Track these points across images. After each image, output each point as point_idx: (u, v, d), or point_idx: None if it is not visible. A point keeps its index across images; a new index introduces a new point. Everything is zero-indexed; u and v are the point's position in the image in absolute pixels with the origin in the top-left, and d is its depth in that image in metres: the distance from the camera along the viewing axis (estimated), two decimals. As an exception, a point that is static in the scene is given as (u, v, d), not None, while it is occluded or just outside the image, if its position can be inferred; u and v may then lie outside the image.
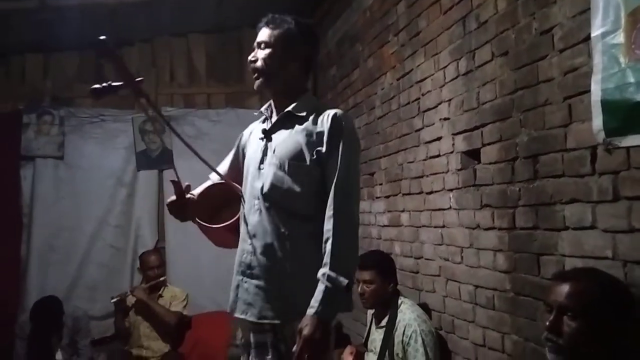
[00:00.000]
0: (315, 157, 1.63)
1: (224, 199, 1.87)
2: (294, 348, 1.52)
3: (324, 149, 1.63)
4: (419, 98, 2.66)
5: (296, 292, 1.60)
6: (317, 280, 1.55)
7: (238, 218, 1.79)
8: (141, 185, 4.30)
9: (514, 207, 1.92)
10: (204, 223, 1.79)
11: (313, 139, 1.65)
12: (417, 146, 2.68)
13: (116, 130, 4.28)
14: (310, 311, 1.52)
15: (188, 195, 1.76)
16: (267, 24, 1.73)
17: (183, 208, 1.75)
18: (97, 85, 1.52)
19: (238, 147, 1.92)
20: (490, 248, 2.07)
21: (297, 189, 1.63)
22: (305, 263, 1.61)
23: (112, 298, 3.56)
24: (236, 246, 1.78)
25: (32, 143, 4.18)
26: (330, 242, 1.56)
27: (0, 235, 4.03)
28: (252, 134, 1.84)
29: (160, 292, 3.62)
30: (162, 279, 3.63)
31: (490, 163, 2.07)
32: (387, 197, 3.07)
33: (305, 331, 1.49)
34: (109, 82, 1.51)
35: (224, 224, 1.79)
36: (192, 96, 4.56)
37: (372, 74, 3.28)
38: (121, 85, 1.51)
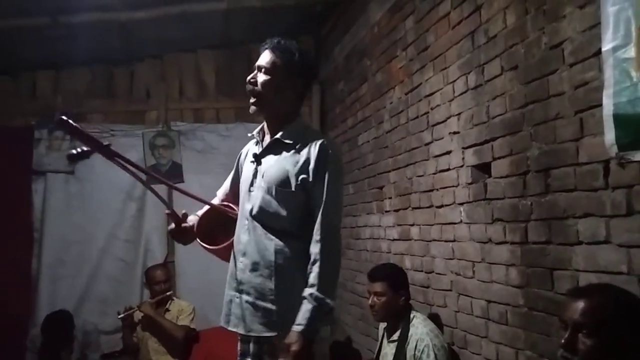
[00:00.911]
0: (300, 183, 1.73)
1: (225, 218, 1.99)
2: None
3: (310, 177, 1.73)
4: (428, 112, 2.66)
5: (282, 307, 1.72)
6: (297, 298, 1.68)
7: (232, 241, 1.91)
8: (151, 200, 4.31)
9: (526, 222, 1.91)
10: (205, 245, 1.91)
11: (299, 167, 1.74)
12: (426, 160, 2.68)
13: (126, 145, 4.31)
14: (298, 328, 1.64)
15: (189, 220, 1.89)
16: (272, 49, 1.79)
17: (183, 234, 1.88)
18: (72, 151, 1.68)
19: (237, 166, 2.02)
20: (503, 262, 2.05)
21: (283, 212, 1.75)
22: (291, 281, 1.74)
23: (119, 314, 3.56)
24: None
25: (44, 158, 4.23)
26: (317, 264, 1.68)
27: (12, 249, 4.06)
28: (247, 156, 1.95)
29: (167, 306, 3.61)
30: (168, 293, 3.63)
31: (501, 177, 2.06)
32: (397, 210, 3.06)
33: (294, 347, 1.62)
34: (82, 148, 1.65)
35: (223, 245, 1.90)
36: (202, 111, 4.60)
37: (381, 89, 3.29)
38: (91, 150, 1.64)
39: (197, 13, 3.89)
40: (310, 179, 1.73)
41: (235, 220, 1.90)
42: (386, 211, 3.21)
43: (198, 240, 1.93)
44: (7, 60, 4.23)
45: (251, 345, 1.79)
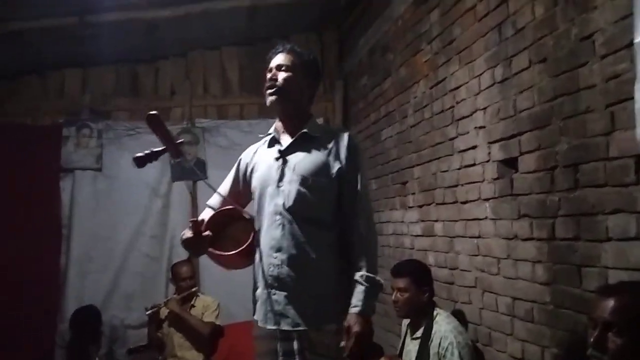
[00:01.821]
0: (335, 173, 1.81)
1: (223, 224, 1.95)
2: (343, 343, 1.70)
3: (344, 167, 1.82)
4: (453, 106, 2.63)
5: (323, 298, 1.77)
6: (342, 285, 1.76)
7: (251, 242, 1.87)
8: (176, 196, 4.37)
9: (553, 217, 1.87)
10: (222, 252, 1.87)
11: (332, 157, 1.82)
12: (451, 155, 2.65)
13: (152, 142, 4.31)
14: (356, 310, 1.72)
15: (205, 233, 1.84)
16: (288, 51, 1.89)
17: (200, 245, 1.83)
18: (139, 154, 1.67)
19: (237, 171, 2.01)
20: (529, 259, 2.02)
21: (319, 202, 1.80)
22: (328, 272, 1.79)
23: (146, 310, 3.60)
24: (245, 267, 1.90)
25: (72, 155, 4.31)
26: (362, 246, 1.79)
27: (40, 245, 4.15)
28: (259, 156, 1.94)
29: (192, 302, 3.65)
30: (194, 289, 3.67)
31: (528, 172, 2.02)
32: (420, 206, 3.03)
33: (356, 328, 1.68)
34: (151, 150, 1.66)
35: (240, 249, 1.85)
36: (226, 107, 4.63)
37: (405, 83, 3.26)
38: (162, 150, 1.67)
39: (220, 10, 3.91)
40: (344, 168, 1.82)
41: (246, 223, 1.90)
42: (409, 207, 3.19)
43: (210, 249, 1.87)
44: (36, 60, 4.32)
45: (295, 343, 1.77)
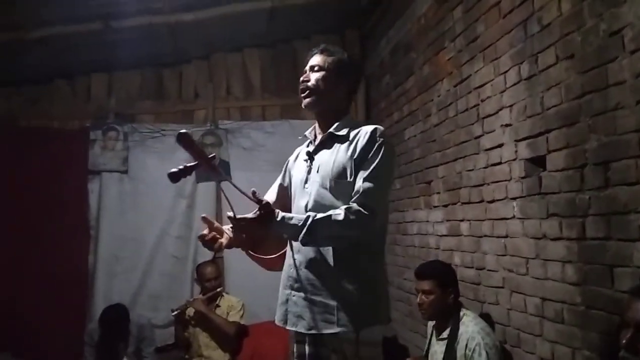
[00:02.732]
0: (354, 171, 1.73)
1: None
2: None
3: (358, 158, 1.73)
4: (478, 104, 2.60)
5: (343, 302, 1.68)
6: (363, 292, 1.68)
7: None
8: (200, 197, 4.41)
9: (583, 217, 1.84)
10: (259, 255, 1.87)
11: (352, 155, 1.74)
12: (476, 154, 2.62)
13: (176, 144, 4.38)
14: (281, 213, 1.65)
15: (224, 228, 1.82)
16: (321, 52, 1.88)
17: (210, 242, 1.79)
18: (174, 169, 1.64)
19: (284, 174, 2.03)
20: (559, 259, 1.98)
21: (338, 203, 1.71)
22: (349, 275, 1.70)
23: (173, 311, 3.65)
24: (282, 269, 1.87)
25: (99, 158, 4.38)
26: (337, 214, 1.63)
27: (69, 246, 4.24)
28: (298, 158, 1.97)
29: (217, 302, 3.68)
30: (218, 289, 3.70)
31: (556, 170, 1.99)
32: (446, 206, 3.01)
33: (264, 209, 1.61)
34: (184, 164, 1.64)
35: (278, 254, 1.86)
36: (248, 109, 4.66)
37: (428, 81, 3.24)
38: (195, 165, 1.65)
39: (242, 13, 3.94)
40: (358, 159, 1.73)
41: None
42: (434, 206, 3.16)
43: (249, 251, 1.87)
44: (65, 65, 4.41)
45: (307, 347, 1.76)
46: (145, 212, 4.37)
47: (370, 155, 1.72)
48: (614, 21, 1.67)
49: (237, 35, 4.41)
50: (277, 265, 1.91)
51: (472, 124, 2.66)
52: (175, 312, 3.62)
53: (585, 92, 1.81)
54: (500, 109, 2.38)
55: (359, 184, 1.69)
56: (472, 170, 2.66)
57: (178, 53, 4.51)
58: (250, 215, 1.62)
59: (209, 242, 1.79)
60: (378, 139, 1.74)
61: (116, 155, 4.39)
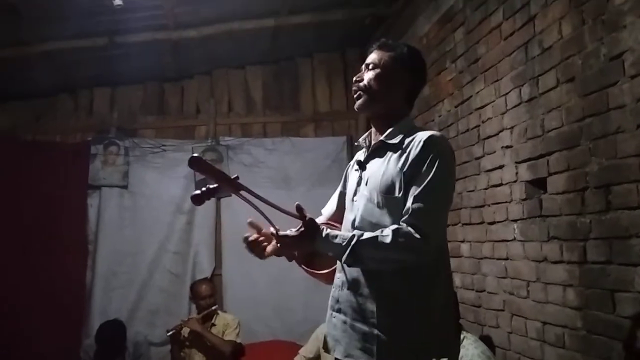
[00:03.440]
0: (404, 185, 1.49)
1: None
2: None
3: (409, 173, 1.49)
4: (479, 125, 2.60)
5: (386, 333, 1.47)
6: (406, 319, 1.47)
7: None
8: (200, 213, 4.39)
9: (584, 240, 1.83)
10: (312, 271, 1.74)
11: (403, 167, 1.50)
12: (477, 174, 2.61)
13: (176, 160, 4.41)
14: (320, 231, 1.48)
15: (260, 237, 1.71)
16: (379, 47, 1.66)
17: (256, 247, 1.69)
18: (197, 192, 1.57)
19: (344, 182, 1.83)
20: (559, 282, 1.96)
21: (387, 221, 1.50)
22: (397, 302, 1.49)
23: (168, 331, 3.61)
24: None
25: (99, 173, 4.37)
26: (385, 235, 1.42)
27: (67, 261, 4.20)
28: (352, 166, 1.77)
29: (213, 321, 3.64)
30: (213, 307, 3.66)
31: (557, 193, 1.98)
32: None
33: (292, 234, 1.49)
34: (207, 186, 1.56)
35: (329, 270, 1.72)
36: (249, 125, 4.66)
37: (429, 101, 3.25)
38: (217, 187, 1.56)
39: (245, 30, 3.96)
40: (410, 174, 1.48)
41: None
42: (435, 227, 3.14)
43: (303, 266, 1.74)
44: (68, 79, 4.43)
45: None
46: (144, 227, 4.34)
47: (423, 169, 1.46)
48: (614, 46, 1.68)
49: (239, 52, 4.43)
50: (327, 280, 1.74)
51: (473, 144, 2.66)
52: (170, 332, 3.58)
53: (585, 116, 1.82)
54: (501, 131, 2.38)
55: (410, 202, 1.45)
56: (473, 191, 2.66)
57: (180, 69, 4.53)
58: (293, 231, 1.50)
59: (252, 245, 1.67)
60: (433, 148, 1.48)
61: (116, 170, 4.38)
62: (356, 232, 1.47)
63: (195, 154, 1.59)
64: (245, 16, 3.86)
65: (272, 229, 1.54)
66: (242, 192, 1.55)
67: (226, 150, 4.47)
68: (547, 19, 2.04)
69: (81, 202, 4.33)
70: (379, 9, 3.95)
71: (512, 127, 2.30)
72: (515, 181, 2.27)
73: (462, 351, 2.33)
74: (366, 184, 1.59)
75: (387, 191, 1.51)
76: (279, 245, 1.58)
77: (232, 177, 1.54)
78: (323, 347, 1.76)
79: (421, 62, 1.67)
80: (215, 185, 1.55)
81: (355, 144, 1.82)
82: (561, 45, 1.95)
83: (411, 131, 1.57)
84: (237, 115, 4.67)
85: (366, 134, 1.70)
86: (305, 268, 1.75)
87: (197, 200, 1.57)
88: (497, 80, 2.42)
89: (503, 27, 2.37)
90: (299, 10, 3.85)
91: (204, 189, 1.56)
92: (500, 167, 2.39)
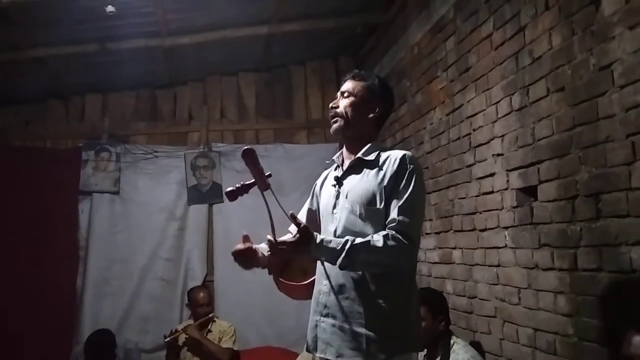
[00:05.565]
0: (385, 198, 1.68)
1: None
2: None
3: (389, 185, 1.68)
4: (470, 133, 2.62)
5: (375, 332, 1.62)
6: (393, 320, 1.63)
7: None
8: (192, 220, 4.39)
9: (575, 248, 1.85)
10: (291, 282, 1.82)
11: (382, 181, 1.70)
12: (468, 182, 2.64)
13: (169, 166, 4.41)
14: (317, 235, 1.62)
15: (258, 247, 1.79)
16: (353, 77, 1.87)
17: (247, 259, 1.76)
18: (231, 188, 1.65)
19: (312, 198, 1.99)
20: (551, 289, 1.98)
21: (369, 230, 1.67)
22: (381, 303, 1.64)
23: (165, 338, 3.58)
24: (308, 298, 1.83)
25: (90, 178, 4.36)
26: (372, 238, 1.59)
27: (58, 267, 4.18)
28: (325, 182, 1.94)
29: (209, 328, 3.63)
30: (211, 315, 3.65)
31: (548, 201, 2.00)
32: (438, 233, 3.01)
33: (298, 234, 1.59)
34: (242, 183, 1.65)
35: (308, 282, 1.81)
36: (242, 132, 4.67)
37: (421, 109, 3.27)
38: (252, 183, 1.65)
39: (238, 38, 3.97)
40: (389, 186, 1.68)
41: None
42: (427, 233, 3.16)
43: (280, 279, 1.83)
44: (59, 85, 4.42)
45: None
46: (136, 233, 4.32)
47: (402, 183, 1.67)
48: (603, 56, 1.71)
49: (232, 59, 4.45)
50: (302, 293, 1.86)
51: (464, 152, 2.68)
52: (168, 339, 3.56)
53: (575, 125, 1.84)
54: (492, 139, 2.41)
55: (395, 213, 1.63)
56: (464, 198, 2.68)
57: (173, 75, 4.54)
58: (289, 238, 1.61)
59: (240, 256, 1.75)
60: (409, 165, 1.69)
61: (108, 176, 4.37)
62: (349, 237, 1.62)
63: (249, 146, 1.66)
64: (238, 24, 3.88)
65: (269, 236, 1.62)
66: (265, 193, 1.63)
67: (218, 156, 4.47)
68: (537, 30, 2.08)
69: (72, 208, 4.31)
70: (371, 18, 3.99)
71: (503, 135, 2.32)
72: (506, 189, 2.30)
73: (452, 356, 2.35)
74: (346, 197, 1.75)
75: (369, 203, 1.69)
76: (272, 252, 1.67)
77: (267, 173, 1.66)
78: (306, 350, 1.80)
79: (390, 91, 1.90)
80: (251, 181, 1.62)
81: (327, 162, 1.98)
82: (551, 55, 1.98)
83: (385, 149, 1.80)
84: (229, 122, 4.68)
85: (338, 153, 1.89)
86: (284, 280, 1.83)
87: (232, 195, 1.65)
88: (487, 89, 2.45)
89: (494, 37, 2.41)
90: (292, 18, 3.88)
91: (238, 185, 1.64)
92: (492, 174, 2.41)
